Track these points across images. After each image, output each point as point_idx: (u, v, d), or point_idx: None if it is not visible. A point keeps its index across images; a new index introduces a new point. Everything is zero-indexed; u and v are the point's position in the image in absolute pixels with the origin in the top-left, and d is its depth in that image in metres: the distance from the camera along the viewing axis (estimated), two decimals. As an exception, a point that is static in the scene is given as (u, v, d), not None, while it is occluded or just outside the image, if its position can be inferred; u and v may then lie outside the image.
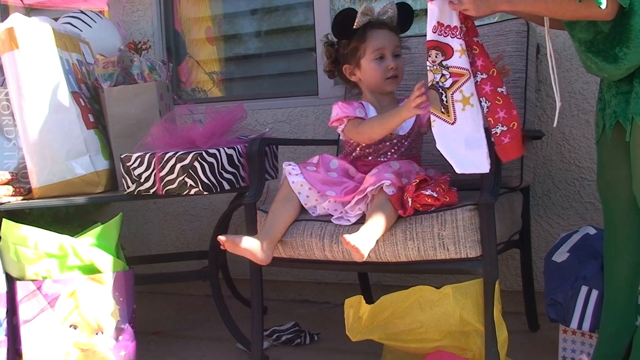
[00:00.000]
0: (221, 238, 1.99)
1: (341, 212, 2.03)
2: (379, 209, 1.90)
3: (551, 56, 1.87)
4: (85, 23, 2.97)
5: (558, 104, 1.90)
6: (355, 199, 1.98)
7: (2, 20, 2.58)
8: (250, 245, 1.99)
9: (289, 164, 2.11)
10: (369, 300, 2.68)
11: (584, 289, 1.98)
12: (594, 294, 1.96)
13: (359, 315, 1.98)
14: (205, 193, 2.25)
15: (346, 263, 2.01)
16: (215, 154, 2.26)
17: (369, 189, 1.94)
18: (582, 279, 1.99)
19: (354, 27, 2.13)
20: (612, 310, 1.89)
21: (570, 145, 2.54)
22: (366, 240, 1.83)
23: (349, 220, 2.00)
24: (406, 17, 2.20)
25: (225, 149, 2.30)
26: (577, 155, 2.53)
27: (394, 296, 1.96)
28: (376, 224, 1.88)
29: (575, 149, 2.53)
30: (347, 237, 1.80)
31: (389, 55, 2.13)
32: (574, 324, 1.98)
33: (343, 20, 2.14)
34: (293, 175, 2.08)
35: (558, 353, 2.08)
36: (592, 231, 2.13)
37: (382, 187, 1.92)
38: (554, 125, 1.94)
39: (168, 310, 3.12)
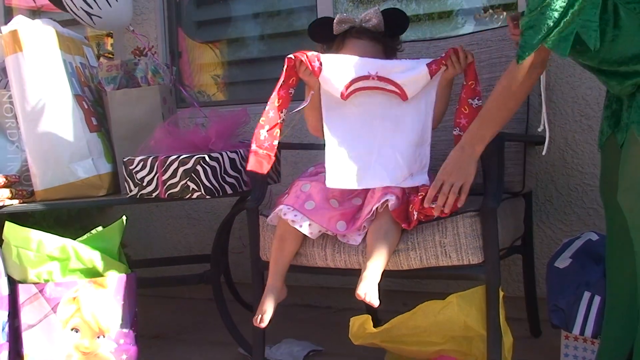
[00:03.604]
0: (259, 324, 2.06)
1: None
2: (383, 238, 1.88)
3: (544, 89, 1.92)
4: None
5: (547, 134, 1.93)
6: (362, 223, 1.95)
7: (6, 23, 2.58)
8: (276, 298, 2.06)
9: (290, 215, 1.97)
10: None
11: (587, 295, 1.97)
12: (597, 299, 1.96)
13: (364, 327, 1.98)
14: (207, 197, 2.25)
15: (349, 270, 2.01)
16: (217, 157, 2.26)
17: (375, 206, 1.90)
18: (584, 284, 1.99)
19: (334, 33, 2.10)
20: (614, 315, 1.88)
21: (573, 150, 2.54)
22: (374, 285, 1.85)
23: (355, 240, 1.97)
24: (397, 22, 2.13)
25: (228, 152, 2.30)
26: (579, 160, 2.53)
27: (398, 318, 1.96)
28: (380, 262, 1.87)
29: (578, 154, 2.53)
30: (359, 293, 1.82)
31: None
32: (577, 329, 1.98)
33: (319, 28, 2.13)
34: (305, 226, 1.96)
35: (560, 359, 2.08)
36: (595, 237, 2.13)
37: (386, 205, 1.89)
38: (543, 154, 1.97)
39: (170, 314, 3.12)
